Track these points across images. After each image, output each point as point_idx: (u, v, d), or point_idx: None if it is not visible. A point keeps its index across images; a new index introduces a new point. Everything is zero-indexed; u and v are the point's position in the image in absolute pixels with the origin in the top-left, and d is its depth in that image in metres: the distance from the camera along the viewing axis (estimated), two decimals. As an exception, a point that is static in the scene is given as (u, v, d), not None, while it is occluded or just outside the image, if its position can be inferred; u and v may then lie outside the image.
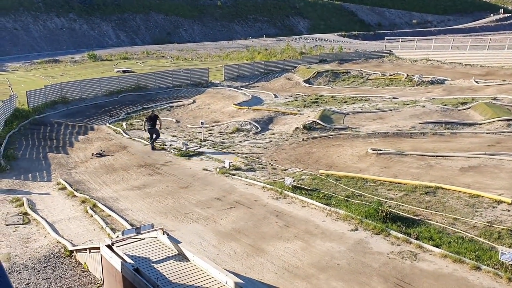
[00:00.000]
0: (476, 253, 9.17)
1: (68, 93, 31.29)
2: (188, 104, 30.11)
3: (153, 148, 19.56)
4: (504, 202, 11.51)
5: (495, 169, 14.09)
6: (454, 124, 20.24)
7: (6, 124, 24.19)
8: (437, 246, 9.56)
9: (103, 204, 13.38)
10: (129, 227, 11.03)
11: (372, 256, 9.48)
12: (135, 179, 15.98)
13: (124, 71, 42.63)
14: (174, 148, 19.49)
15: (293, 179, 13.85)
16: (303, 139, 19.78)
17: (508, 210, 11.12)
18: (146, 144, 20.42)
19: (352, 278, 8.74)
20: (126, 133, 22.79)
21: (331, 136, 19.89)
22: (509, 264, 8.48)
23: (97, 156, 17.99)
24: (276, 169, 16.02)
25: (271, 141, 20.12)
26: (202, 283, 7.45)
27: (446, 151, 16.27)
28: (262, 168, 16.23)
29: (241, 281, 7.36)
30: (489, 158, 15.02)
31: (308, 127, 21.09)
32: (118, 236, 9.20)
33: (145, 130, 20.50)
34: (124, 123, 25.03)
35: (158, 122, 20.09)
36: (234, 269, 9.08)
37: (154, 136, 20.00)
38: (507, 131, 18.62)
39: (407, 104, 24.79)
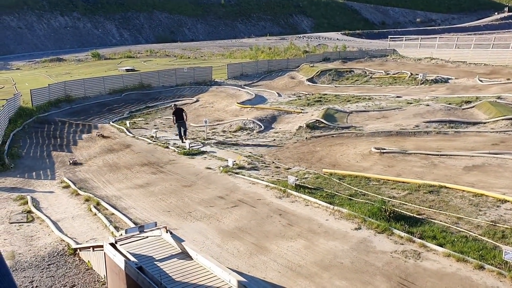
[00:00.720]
0: (480, 252, 9.15)
1: (72, 91, 31.36)
2: (191, 103, 30.14)
3: (183, 141, 20.23)
4: (508, 201, 11.48)
5: (499, 168, 14.04)
6: (458, 123, 20.17)
7: (11, 123, 24.28)
8: (440, 245, 9.54)
9: (106, 203, 13.43)
10: (132, 225, 11.06)
11: (376, 255, 9.47)
12: (138, 177, 16.01)
13: (127, 70, 42.67)
14: (178, 147, 19.51)
15: (296, 178, 13.84)
16: (306, 138, 19.76)
17: (512, 209, 11.08)
18: (150, 143, 20.46)
19: (355, 277, 8.73)
20: (129, 132, 22.83)
21: (334, 135, 19.86)
22: (513, 263, 8.45)
23: (73, 164, 18.03)
24: (279, 168, 16.01)
25: (274, 139, 20.11)
26: (205, 281, 7.46)
27: (450, 150, 16.22)
28: (266, 167, 16.23)
29: (244, 279, 7.36)
30: (493, 157, 14.97)
31: (312, 126, 21.07)
32: (121, 234, 9.23)
33: (174, 123, 21.01)
34: (127, 122, 25.06)
35: (184, 114, 20.64)
36: (237, 268, 9.09)
37: (183, 129, 20.60)
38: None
39: (411, 103, 24.71)
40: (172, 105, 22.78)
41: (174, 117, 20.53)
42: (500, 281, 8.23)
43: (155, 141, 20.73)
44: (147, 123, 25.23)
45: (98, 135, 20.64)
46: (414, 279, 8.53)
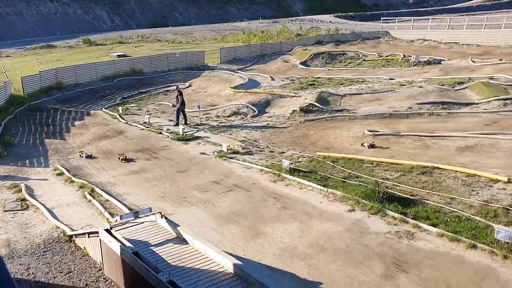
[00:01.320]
0: (473, 231, 9.28)
1: (63, 78, 31.04)
2: (184, 88, 29.94)
3: (178, 125, 20.46)
4: (500, 181, 11.61)
5: (492, 149, 14.15)
6: (451, 104, 20.24)
7: (2, 111, 24.06)
8: (434, 225, 9.65)
9: (101, 189, 13.42)
10: (127, 211, 11.07)
11: (369, 236, 9.57)
12: (132, 164, 15.99)
13: (119, 56, 42.25)
14: (171, 132, 19.47)
15: (291, 162, 13.89)
16: (300, 122, 19.78)
17: (504, 189, 11.21)
18: (143, 129, 20.39)
19: (350, 258, 8.83)
20: (122, 118, 22.72)
21: (328, 118, 19.88)
22: (505, 242, 8.59)
23: (86, 157, 17.28)
24: (273, 152, 16.04)
25: (268, 124, 20.11)
26: (201, 265, 7.52)
27: (442, 131, 16.30)
28: (260, 151, 16.26)
29: (240, 262, 7.44)
30: (485, 138, 15.08)
31: (305, 110, 21.06)
32: (116, 220, 9.27)
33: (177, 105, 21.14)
34: (120, 108, 24.93)
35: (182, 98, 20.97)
36: (233, 251, 9.16)
37: (182, 114, 20.97)
38: (504, 110, 18.65)
39: (404, 85, 24.73)
40: (175, 88, 22.64)
41: (181, 100, 20.77)
42: (492, 259, 8.36)
43: (148, 127, 20.65)
44: (139, 109, 25.10)
45: (122, 160, 16.08)
46: (407, 259, 8.64)
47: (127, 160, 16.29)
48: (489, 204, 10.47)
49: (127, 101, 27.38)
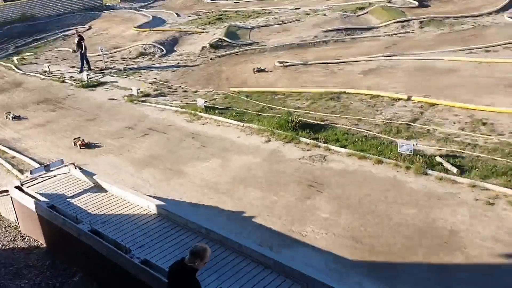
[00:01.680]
0: (378, 148, 10.03)
1: None
2: (84, 31, 28.01)
3: (82, 71, 19.25)
4: (401, 99, 12.48)
5: (392, 70, 15.03)
6: (354, 30, 20.93)
7: None
8: (343, 146, 10.29)
9: (5, 146, 12.58)
10: (37, 166, 10.52)
11: (286, 163, 10.00)
12: (36, 116, 15.04)
13: (5, 0, 38.18)
14: (75, 80, 18.38)
15: (205, 100, 13.86)
16: (211, 58, 19.51)
17: (405, 106, 12.10)
18: (44, 78, 19.06)
19: (269, 186, 9.21)
20: (19, 69, 20.99)
21: (238, 53, 19.78)
22: (407, 154, 9.39)
23: (13, 119, 15.29)
24: (187, 91, 15.82)
25: (178, 63, 19.62)
26: (122, 211, 7.48)
27: (347, 57, 16.93)
28: (173, 92, 15.95)
29: (162, 203, 7.49)
30: (386, 60, 15.93)
31: (215, 45, 20.73)
32: (27, 176, 8.85)
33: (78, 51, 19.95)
34: (15, 58, 22.95)
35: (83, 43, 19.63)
36: (155, 194, 9.14)
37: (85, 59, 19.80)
38: (402, 32, 19.68)
39: (309, 14, 25.04)
40: (75, 32, 21.03)
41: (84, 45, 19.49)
42: (397, 171, 9.15)
43: (49, 76, 19.32)
44: (37, 58, 23.28)
45: (81, 147, 12.03)
46: (321, 180, 9.19)
47: (88, 145, 12.17)
48: (392, 121, 11.28)
49: (22, 50, 25.30)
